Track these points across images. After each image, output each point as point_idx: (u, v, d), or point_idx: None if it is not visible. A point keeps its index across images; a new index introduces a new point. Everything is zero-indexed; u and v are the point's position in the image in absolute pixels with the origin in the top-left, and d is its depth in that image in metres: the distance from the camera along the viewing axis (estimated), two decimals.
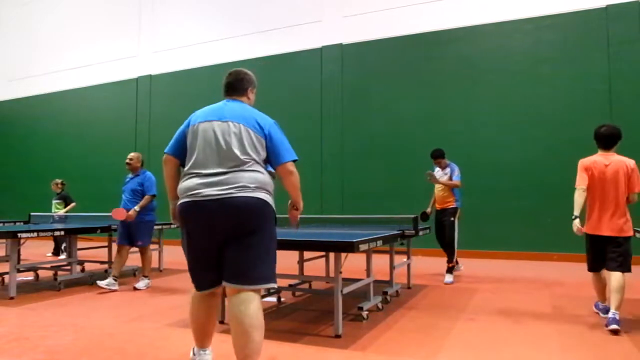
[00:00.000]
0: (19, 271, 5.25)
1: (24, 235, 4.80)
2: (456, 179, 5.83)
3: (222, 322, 3.70)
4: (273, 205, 2.47)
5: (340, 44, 9.84)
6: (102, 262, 6.41)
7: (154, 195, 5.44)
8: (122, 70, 12.55)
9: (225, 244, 2.35)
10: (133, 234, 5.36)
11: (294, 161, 2.54)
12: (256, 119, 2.53)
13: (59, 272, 6.06)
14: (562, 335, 3.34)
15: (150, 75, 12.10)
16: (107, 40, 12.88)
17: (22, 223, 7.50)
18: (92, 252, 6.93)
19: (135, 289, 5.27)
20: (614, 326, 3.32)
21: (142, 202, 5.33)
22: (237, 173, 2.37)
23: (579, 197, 3.76)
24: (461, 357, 2.88)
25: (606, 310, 3.68)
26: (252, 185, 2.36)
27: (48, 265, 6.14)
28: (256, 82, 2.80)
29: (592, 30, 7.89)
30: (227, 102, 2.64)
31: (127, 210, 5.26)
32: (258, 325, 2.28)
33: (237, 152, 2.40)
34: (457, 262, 5.93)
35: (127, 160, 5.51)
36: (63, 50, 13.61)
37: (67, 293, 5.06)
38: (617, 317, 3.37)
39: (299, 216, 2.84)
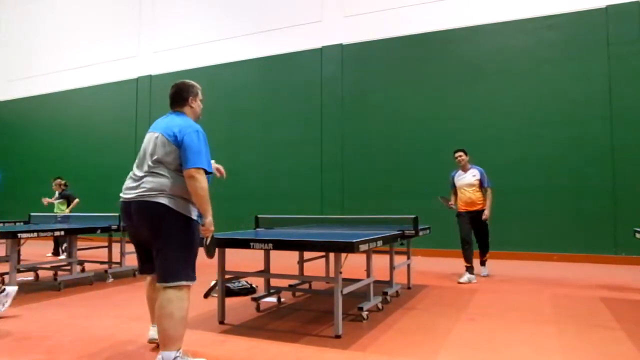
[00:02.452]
0: (19, 271, 5.25)
1: (24, 235, 4.80)
2: (490, 184, 5.92)
3: (222, 322, 3.71)
4: (180, 209, 2.65)
5: (341, 44, 9.84)
6: (102, 262, 6.41)
7: None
8: (122, 70, 12.56)
9: (150, 243, 2.70)
10: None
11: (204, 170, 2.66)
12: (176, 127, 2.70)
13: (59, 272, 6.06)
14: (562, 335, 3.34)
15: (150, 76, 12.10)
16: (107, 40, 12.89)
17: (22, 223, 7.50)
18: (92, 252, 6.94)
19: None
20: None
21: None
22: (146, 177, 2.68)
23: None
24: (461, 357, 2.88)
25: None
26: (154, 192, 2.63)
27: (48, 266, 6.14)
28: (198, 91, 2.98)
29: (592, 30, 7.89)
30: (168, 115, 2.90)
31: None
32: (166, 314, 2.56)
33: (150, 158, 2.70)
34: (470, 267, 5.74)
35: None
36: (63, 50, 13.61)
37: (67, 293, 5.06)
38: None
39: (208, 236, 2.82)
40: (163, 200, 2.62)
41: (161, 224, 2.61)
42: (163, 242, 2.61)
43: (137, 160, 2.80)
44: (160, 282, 2.61)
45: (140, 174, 2.71)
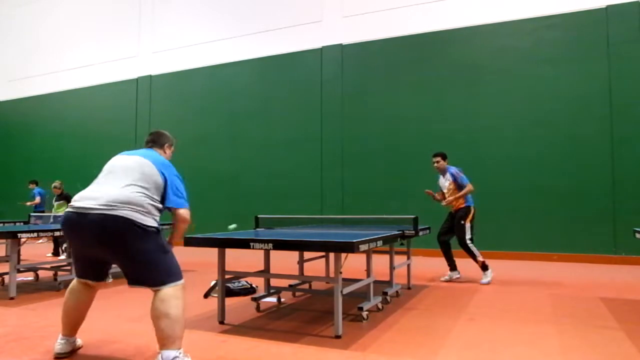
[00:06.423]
0: (19, 271, 5.25)
1: (24, 235, 4.80)
2: (464, 182, 5.65)
3: (222, 322, 3.71)
4: (145, 222, 2.63)
5: (341, 44, 9.84)
6: None
7: None
8: (122, 70, 12.56)
9: (111, 256, 2.68)
10: None
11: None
12: (164, 166, 2.85)
13: (59, 272, 6.06)
14: (562, 335, 3.34)
15: (150, 76, 12.10)
16: (107, 40, 12.89)
17: (22, 223, 7.50)
18: None
19: None
20: None
21: None
22: (114, 191, 2.65)
23: None
24: (461, 357, 2.88)
25: None
26: (120, 204, 2.59)
27: (48, 266, 6.14)
28: (173, 143, 3.28)
29: (592, 30, 7.89)
30: (147, 149, 3.07)
31: None
32: (162, 314, 2.57)
33: (125, 174, 2.73)
34: (484, 263, 5.64)
35: None
36: (63, 50, 13.62)
37: None
38: None
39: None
40: (131, 214, 2.59)
41: (131, 237, 2.58)
42: (139, 255, 2.60)
43: (103, 174, 2.82)
44: (151, 286, 2.62)
45: (106, 188, 2.69)
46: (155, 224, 2.70)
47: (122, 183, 2.69)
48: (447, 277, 5.88)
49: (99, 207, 2.59)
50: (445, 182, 5.90)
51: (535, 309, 4.21)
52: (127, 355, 2.93)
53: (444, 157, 5.91)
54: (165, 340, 2.56)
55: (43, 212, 9.57)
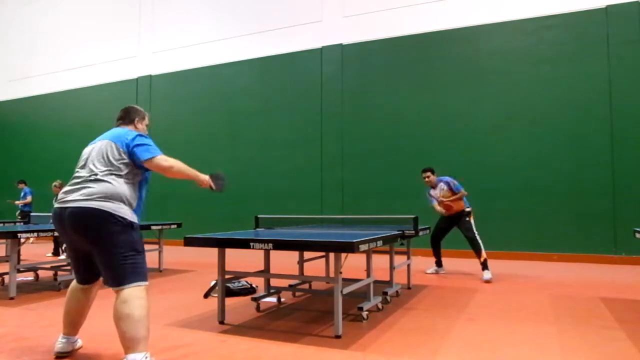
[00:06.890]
0: (19, 271, 5.25)
1: (24, 235, 4.80)
2: (459, 189, 6.05)
3: (222, 322, 3.71)
4: (121, 214, 2.61)
5: (341, 44, 9.84)
6: None
7: None
8: (122, 70, 12.56)
9: (89, 249, 2.63)
10: None
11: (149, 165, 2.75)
12: (123, 137, 2.80)
13: (59, 272, 6.06)
14: (562, 335, 3.34)
15: (150, 76, 12.10)
16: (107, 40, 12.89)
17: (22, 223, 7.50)
18: None
19: None
20: None
21: None
22: (88, 183, 2.66)
23: None
24: (461, 357, 2.88)
25: None
26: (94, 197, 2.60)
27: (48, 266, 6.13)
28: (145, 116, 3.24)
29: (592, 30, 7.89)
30: (113, 129, 3.04)
31: None
32: (124, 316, 2.51)
33: (94, 163, 2.73)
34: (485, 261, 5.88)
35: None
36: (63, 50, 13.61)
37: None
38: None
39: (210, 184, 3.06)
40: (103, 204, 2.58)
41: (103, 228, 2.54)
42: (108, 247, 2.54)
43: (77, 168, 2.83)
44: (113, 286, 2.56)
45: (80, 179, 2.70)
46: (128, 216, 2.64)
47: (90, 172, 2.69)
48: (432, 270, 6.44)
49: (74, 200, 2.61)
50: (441, 192, 6.17)
51: (535, 309, 4.21)
52: None
53: (433, 172, 6.25)
54: (129, 343, 2.45)
55: (30, 211, 9.72)
